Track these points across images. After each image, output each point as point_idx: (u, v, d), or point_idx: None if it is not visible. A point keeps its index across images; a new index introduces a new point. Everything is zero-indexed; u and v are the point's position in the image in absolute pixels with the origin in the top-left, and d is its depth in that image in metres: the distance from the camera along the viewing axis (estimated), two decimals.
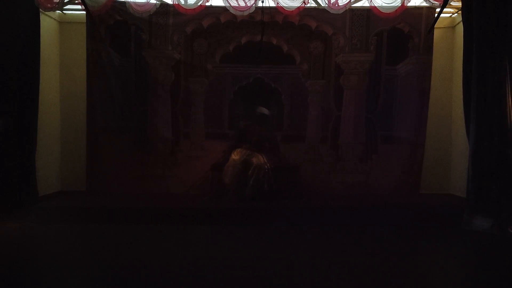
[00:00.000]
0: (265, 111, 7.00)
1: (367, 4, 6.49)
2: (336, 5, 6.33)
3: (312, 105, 7.28)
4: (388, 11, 6.43)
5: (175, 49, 7.11)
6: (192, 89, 7.23)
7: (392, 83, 7.21)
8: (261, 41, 6.94)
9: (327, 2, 6.36)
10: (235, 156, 6.48)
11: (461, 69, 6.16)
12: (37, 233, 5.33)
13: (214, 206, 6.11)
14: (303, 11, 6.63)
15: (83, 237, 5.20)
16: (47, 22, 6.86)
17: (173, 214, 5.83)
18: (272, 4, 6.49)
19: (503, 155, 5.41)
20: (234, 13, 6.41)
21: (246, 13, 6.36)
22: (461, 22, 6.31)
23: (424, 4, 6.81)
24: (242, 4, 6.26)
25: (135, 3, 6.51)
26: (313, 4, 6.76)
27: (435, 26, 6.86)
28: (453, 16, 7.18)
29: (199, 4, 6.34)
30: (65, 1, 6.62)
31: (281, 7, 6.34)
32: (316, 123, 7.29)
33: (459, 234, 5.45)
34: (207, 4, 6.43)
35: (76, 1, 6.69)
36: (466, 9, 6.01)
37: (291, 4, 6.31)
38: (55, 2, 6.38)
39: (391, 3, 6.41)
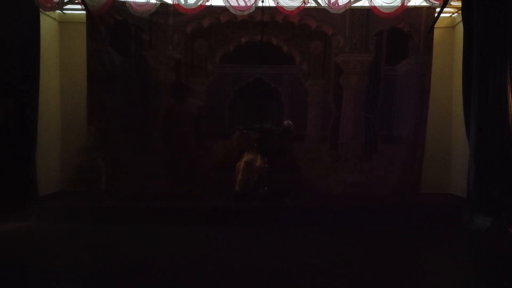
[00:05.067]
0: (291, 126, 7.00)
1: (367, 4, 6.49)
2: (336, 4, 6.33)
3: (312, 105, 7.27)
4: (388, 11, 6.42)
5: (176, 49, 7.10)
6: (193, 89, 7.22)
7: (392, 83, 7.19)
8: (261, 41, 6.93)
9: (327, 2, 6.36)
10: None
11: (461, 69, 6.17)
12: (37, 233, 5.34)
13: (214, 206, 6.11)
14: (303, 11, 6.62)
15: (82, 237, 5.21)
16: (47, 22, 6.86)
17: (173, 214, 5.83)
18: (272, 4, 6.49)
19: (504, 155, 5.42)
20: (234, 13, 6.41)
21: (246, 13, 6.36)
22: (461, 22, 6.31)
23: (424, 4, 6.80)
24: (242, 4, 6.26)
25: (135, 2, 6.50)
26: (313, 4, 6.75)
27: (435, 26, 6.85)
28: (453, 16, 7.18)
29: (199, 4, 6.34)
30: (65, 1, 6.62)
31: (281, 7, 6.34)
32: (315, 123, 7.27)
33: (459, 234, 5.46)
34: (207, 4, 6.43)
35: (76, 1, 6.69)
36: (466, 9, 6.02)
37: (291, 4, 6.31)
38: (55, 2, 6.38)
39: (391, 2, 6.40)
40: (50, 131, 7.01)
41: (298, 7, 6.32)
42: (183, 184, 6.92)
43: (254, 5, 6.27)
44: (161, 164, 7.09)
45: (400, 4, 6.38)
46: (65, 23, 7.25)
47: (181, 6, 6.43)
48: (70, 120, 7.26)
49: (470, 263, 4.62)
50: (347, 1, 6.33)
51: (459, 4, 6.56)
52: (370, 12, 6.75)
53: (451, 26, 7.27)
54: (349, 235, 5.32)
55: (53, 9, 6.58)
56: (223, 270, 4.00)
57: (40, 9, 6.36)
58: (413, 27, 7.02)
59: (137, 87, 7.08)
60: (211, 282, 3.71)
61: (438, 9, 6.65)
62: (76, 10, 7.03)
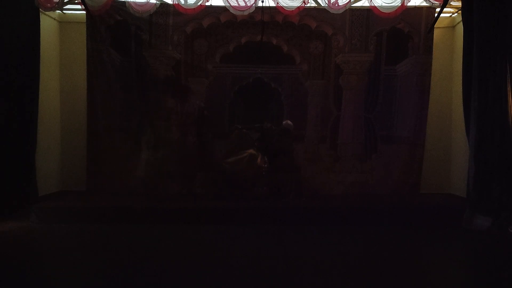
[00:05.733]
0: (290, 126, 7.01)
1: (367, 4, 6.49)
2: (336, 5, 6.33)
3: (312, 105, 7.28)
4: (388, 11, 6.42)
5: (176, 49, 7.11)
6: (193, 89, 7.22)
7: (392, 83, 7.21)
8: (261, 41, 6.93)
9: (327, 2, 6.36)
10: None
11: (461, 69, 6.17)
12: (37, 233, 5.34)
13: (214, 206, 6.11)
14: (303, 11, 6.62)
15: (83, 236, 5.21)
16: (47, 22, 6.86)
17: (173, 214, 5.83)
18: (272, 4, 6.49)
19: (504, 155, 5.42)
20: (234, 13, 6.41)
21: (246, 13, 6.36)
22: (461, 22, 6.31)
23: (424, 4, 6.80)
24: (242, 4, 6.26)
25: (135, 3, 6.50)
26: (313, 4, 6.75)
27: (435, 26, 6.86)
28: (453, 16, 7.18)
29: (199, 4, 6.34)
30: (65, 1, 6.62)
31: (281, 7, 6.34)
32: (315, 123, 7.28)
33: (459, 234, 5.46)
34: (207, 4, 6.43)
35: (76, 1, 6.69)
36: (466, 9, 6.02)
37: (291, 4, 6.31)
38: (55, 2, 6.38)
39: (391, 2, 6.40)
40: (50, 131, 7.01)
41: (298, 7, 6.32)
42: (183, 184, 6.93)
43: (254, 5, 6.27)
44: (161, 164, 7.08)
45: (400, 4, 6.38)
46: (65, 23, 7.25)
47: (181, 6, 6.43)
48: (70, 120, 7.26)
49: (470, 263, 4.62)
50: (347, 1, 6.33)
51: (459, 4, 6.56)
52: (370, 12, 6.76)
53: (451, 26, 7.27)
54: (349, 235, 5.32)
55: (53, 9, 6.58)
56: (223, 270, 4.00)
57: (40, 9, 6.35)
58: (413, 27, 7.03)
59: (137, 87, 7.09)
60: (211, 282, 3.71)
61: (438, 9, 6.65)
62: (76, 10, 7.03)
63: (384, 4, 6.40)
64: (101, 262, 4.28)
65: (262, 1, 6.47)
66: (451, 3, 6.70)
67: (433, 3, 6.53)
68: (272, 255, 4.49)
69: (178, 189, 6.87)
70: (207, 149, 7.10)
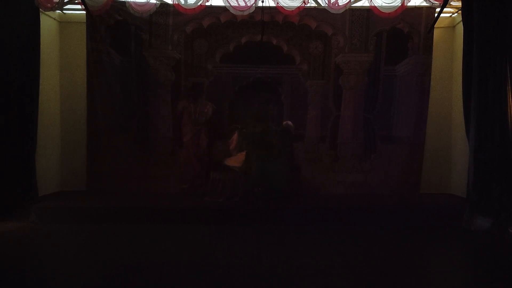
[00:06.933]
0: (290, 126, 7.02)
1: (367, 4, 6.49)
2: (336, 5, 6.33)
3: (312, 105, 7.28)
4: (388, 11, 6.43)
5: (175, 49, 7.11)
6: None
7: (392, 83, 7.21)
8: (261, 41, 6.94)
9: (327, 2, 6.36)
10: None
11: (461, 69, 6.17)
12: (37, 233, 5.34)
13: (214, 206, 6.11)
14: (303, 11, 6.63)
15: (83, 236, 5.21)
16: (47, 22, 6.86)
17: (173, 214, 5.83)
18: (272, 4, 6.49)
19: (504, 155, 5.42)
20: (234, 13, 6.42)
21: (246, 13, 6.36)
22: (461, 22, 6.32)
23: (424, 4, 6.81)
24: (242, 4, 6.26)
25: (135, 3, 6.51)
26: (313, 4, 6.76)
27: (435, 26, 6.86)
28: (453, 16, 7.18)
29: (199, 4, 6.34)
30: (65, 1, 6.62)
31: (281, 7, 6.34)
32: (315, 123, 7.28)
33: (459, 234, 5.46)
34: (207, 4, 6.44)
35: (76, 1, 6.70)
36: (466, 9, 6.02)
37: (291, 4, 6.32)
38: (55, 2, 6.39)
39: (391, 3, 6.41)
40: (50, 131, 7.02)
41: (298, 7, 6.33)
42: (187, 184, 6.96)
43: (254, 5, 6.27)
44: (161, 164, 7.09)
45: (400, 4, 6.38)
46: (65, 23, 7.26)
47: (181, 6, 6.43)
48: (70, 120, 7.26)
49: (470, 263, 4.62)
50: (347, 1, 6.33)
51: (459, 4, 6.57)
52: (370, 12, 6.76)
53: (451, 26, 7.27)
54: (349, 235, 5.32)
55: (53, 9, 6.59)
56: (223, 270, 4.00)
57: (40, 9, 6.36)
58: (413, 27, 7.03)
59: (137, 87, 7.09)
60: (211, 282, 3.71)
61: (438, 9, 6.65)
62: (76, 10, 7.04)
63: (384, 4, 6.41)
64: (101, 262, 4.28)
65: (262, 1, 6.47)
66: (451, 3, 6.70)
67: (433, 3, 6.54)
68: (272, 255, 4.49)
69: (180, 189, 6.90)
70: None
